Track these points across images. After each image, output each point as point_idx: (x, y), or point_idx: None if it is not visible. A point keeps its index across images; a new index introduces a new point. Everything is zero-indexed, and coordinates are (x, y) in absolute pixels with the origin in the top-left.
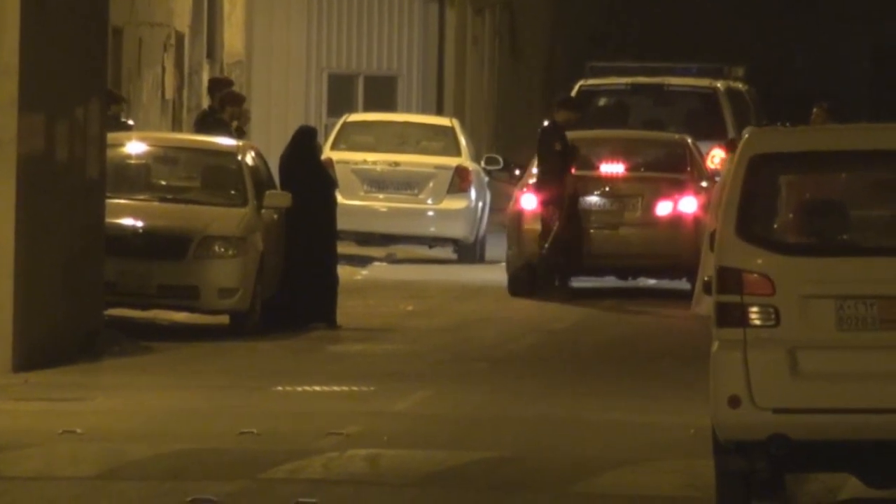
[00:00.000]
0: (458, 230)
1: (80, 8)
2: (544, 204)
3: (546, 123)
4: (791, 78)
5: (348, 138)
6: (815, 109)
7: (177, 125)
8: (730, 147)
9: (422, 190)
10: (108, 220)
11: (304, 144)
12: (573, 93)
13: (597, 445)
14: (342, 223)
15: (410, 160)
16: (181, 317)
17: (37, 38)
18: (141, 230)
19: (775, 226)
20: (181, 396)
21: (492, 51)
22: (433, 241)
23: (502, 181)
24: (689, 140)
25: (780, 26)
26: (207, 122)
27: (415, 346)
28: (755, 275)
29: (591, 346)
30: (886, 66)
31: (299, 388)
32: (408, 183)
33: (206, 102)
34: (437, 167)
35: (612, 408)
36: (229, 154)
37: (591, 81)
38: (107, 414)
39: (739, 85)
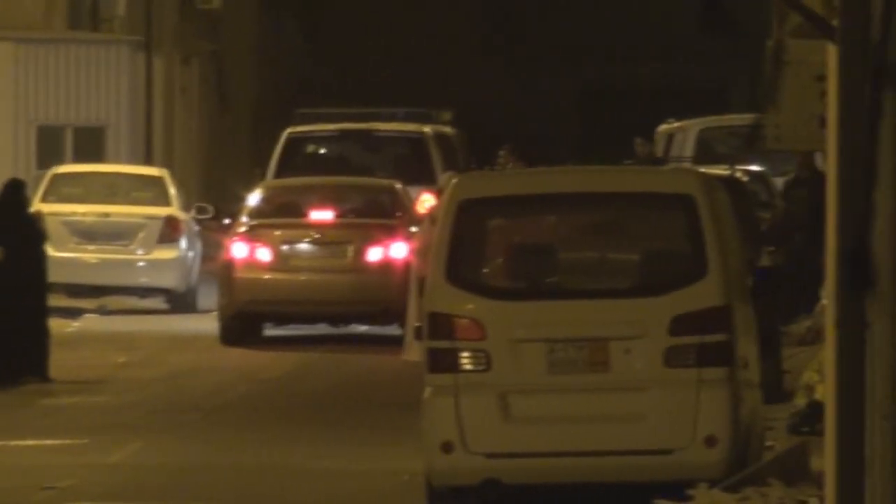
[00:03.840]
0: (169, 280)
1: None
2: None
3: None
4: (499, 120)
5: (58, 190)
6: (500, 152)
7: None
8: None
9: (132, 240)
10: None
11: (11, 198)
12: (282, 141)
13: (310, 494)
14: (53, 275)
15: (120, 211)
16: None
17: None
18: None
19: (485, 270)
20: None
21: (200, 99)
22: (145, 292)
23: (213, 230)
24: (398, 185)
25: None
26: None
27: (128, 397)
28: (466, 320)
29: (304, 394)
30: (590, 107)
31: (12, 443)
32: (118, 234)
33: None
34: (147, 217)
35: (325, 455)
36: None
37: (299, 128)
38: None
39: (447, 129)
